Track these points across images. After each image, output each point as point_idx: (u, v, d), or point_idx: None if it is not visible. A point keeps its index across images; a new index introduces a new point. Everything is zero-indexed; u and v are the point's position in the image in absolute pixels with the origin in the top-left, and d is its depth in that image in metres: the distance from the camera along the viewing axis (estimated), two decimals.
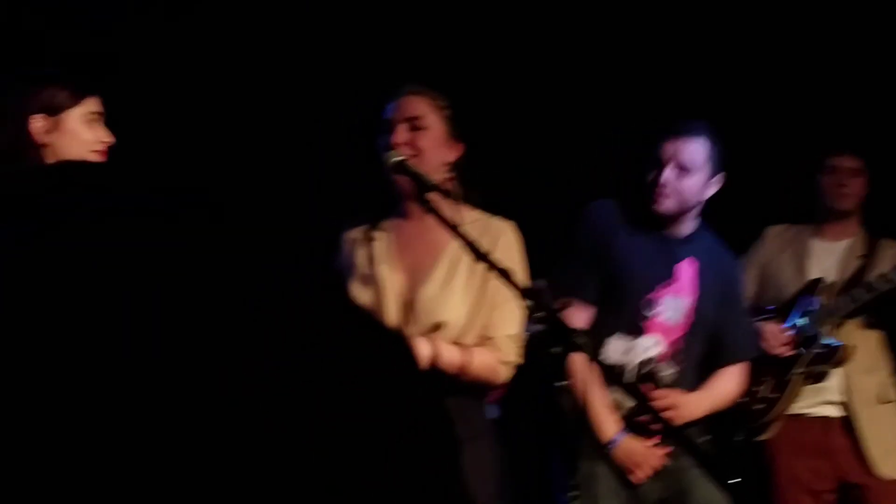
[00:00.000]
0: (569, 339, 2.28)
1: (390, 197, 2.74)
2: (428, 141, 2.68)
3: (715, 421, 3.21)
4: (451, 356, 2.60)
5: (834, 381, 3.47)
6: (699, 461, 2.43)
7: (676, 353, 3.05)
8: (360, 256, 2.71)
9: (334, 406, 0.60)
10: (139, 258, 0.60)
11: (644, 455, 2.94)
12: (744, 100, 4.15)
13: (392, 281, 2.66)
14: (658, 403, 2.95)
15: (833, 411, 3.48)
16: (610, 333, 3.02)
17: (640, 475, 2.94)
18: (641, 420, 2.96)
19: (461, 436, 2.55)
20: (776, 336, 3.48)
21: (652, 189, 3.01)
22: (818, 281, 3.54)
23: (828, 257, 3.59)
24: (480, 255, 2.38)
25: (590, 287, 3.03)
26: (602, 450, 2.78)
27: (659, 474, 3.00)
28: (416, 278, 2.67)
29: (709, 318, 3.09)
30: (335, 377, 0.60)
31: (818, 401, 3.51)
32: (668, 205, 3.02)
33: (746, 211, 3.64)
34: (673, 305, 3.03)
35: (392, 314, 2.63)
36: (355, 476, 0.58)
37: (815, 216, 3.69)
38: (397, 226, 2.74)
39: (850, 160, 3.62)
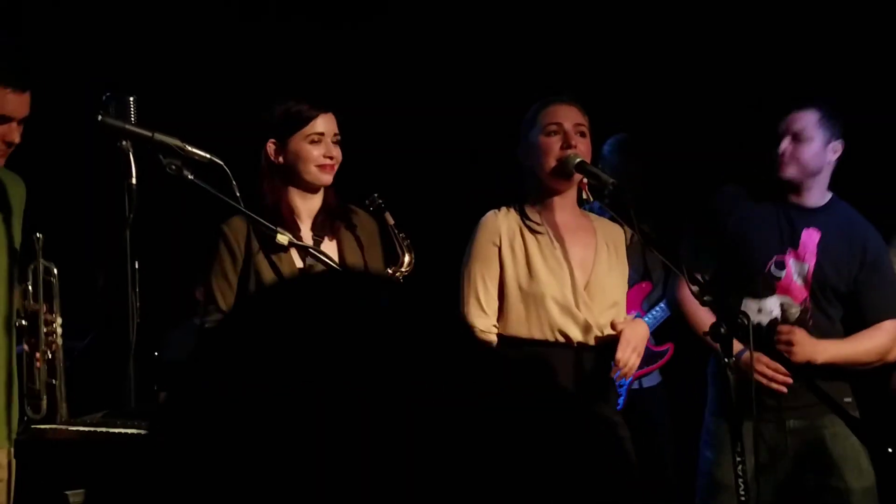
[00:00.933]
0: (733, 321, 2.58)
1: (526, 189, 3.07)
2: (586, 147, 3.01)
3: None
4: None
5: None
6: (839, 414, 2.63)
7: (804, 312, 3.30)
8: (535, 247, 2.99)
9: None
10: None
11: (767, 363, 3.16)
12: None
13: (571, 267, 2.98)
14: (780, 337, 3.19)
15: None
16: (738, 295, 3.27)
17: (759, 376, 3.10)
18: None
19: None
20: None
21: (774, 160, 3.30)
22: None
23: None
24: (652, 241, 2.71)
25: (701, 261, 3.31)
26: (752, 412, 2.96)
27: (795, 432, 3.25)
28: (585, 263, 3.00)
29: (830, 284, 3.32)
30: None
31: None
32: (790, 172, 3.29)
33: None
34: (797, 269, 3.29)
35: (576, 297, 2.94)
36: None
37: None
38: (546, 217, 3.03)
39: None
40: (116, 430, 2.78)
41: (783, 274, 3.29)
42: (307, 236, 3.03)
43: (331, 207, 3.06)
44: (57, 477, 3.03)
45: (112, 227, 2.89)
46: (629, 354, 2.91)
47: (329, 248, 3.04)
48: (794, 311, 3.24)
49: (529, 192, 3.04)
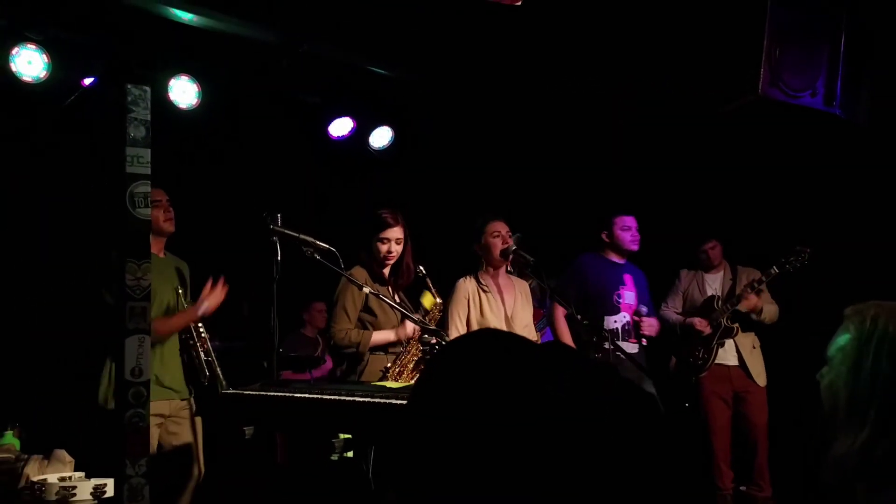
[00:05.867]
0: (599, 339, 4.88)
1: (481, 259, 5.32)
2: (510, 243, 5.26)
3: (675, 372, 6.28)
4: None
5: (732, 346, 6.58)
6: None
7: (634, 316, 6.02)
8: (485, 299, 5.18)
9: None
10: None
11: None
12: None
13: (504, 307, 5.25)
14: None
15: (732, 360, 6.58)
16: (600, 314, 5.85)
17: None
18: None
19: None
20: (702, 324, 6.54)
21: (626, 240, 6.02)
22: (713, 297, 6.65)
23: (714, 282, 6.71)
24: (549, 288, 5.06)
25: (570, 298, 5.66)
26: None
27: None
28: (510, 304, 5.28)
29: (642, 300, 6.09)
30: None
31: (725, 355, 6.58)
32: (635, 247, 6.04)
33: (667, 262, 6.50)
34: (628, 296, 5.97)
35: (507, 324, 5.13)
36: None
37: (701, 264, 6.79)
38: (491, 280, 5.27)
39: (713, 247, 6.70)
40: (271, 393, 3.81)
41: (622, 299, 5.85)
42: (385, 288, 4.79)
43: (396, 274, 4.88)
44: (236, 422, 4.23)
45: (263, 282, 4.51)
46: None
47: (392, 295, 4.85)
48: (627, 318, 5.78)
49: (481, 267, 5.30)
